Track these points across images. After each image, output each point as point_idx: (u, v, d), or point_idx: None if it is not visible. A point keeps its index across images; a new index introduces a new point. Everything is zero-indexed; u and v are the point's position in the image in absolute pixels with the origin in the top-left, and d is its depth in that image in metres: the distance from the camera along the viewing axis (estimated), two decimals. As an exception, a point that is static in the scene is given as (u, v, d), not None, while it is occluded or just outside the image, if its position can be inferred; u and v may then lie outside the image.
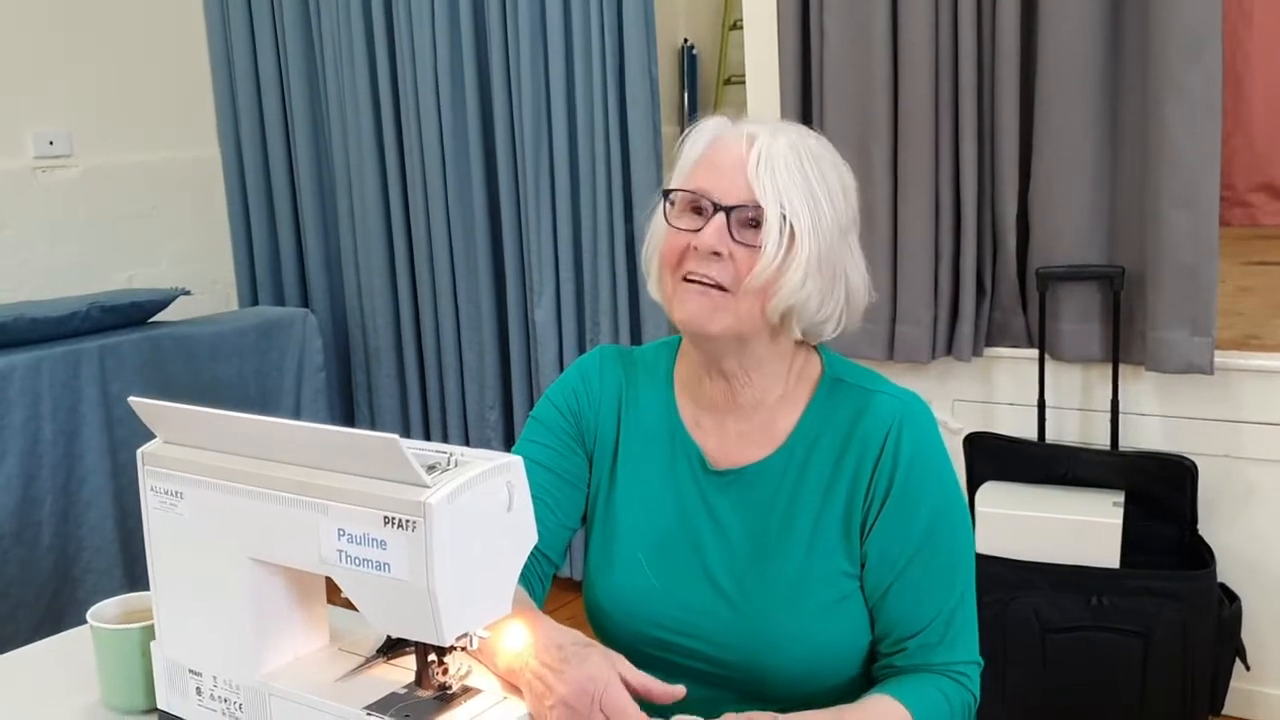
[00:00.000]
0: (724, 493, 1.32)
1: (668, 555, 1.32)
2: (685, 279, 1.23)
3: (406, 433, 3.70)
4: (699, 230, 1.22)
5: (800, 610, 1.26)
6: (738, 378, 1.30)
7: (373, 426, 3.78)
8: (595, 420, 1.39)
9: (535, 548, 1.19)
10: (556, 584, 1.41)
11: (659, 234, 1.28)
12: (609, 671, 1.08)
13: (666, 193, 1.27)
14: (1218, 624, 2.30)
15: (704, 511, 1.32)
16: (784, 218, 1.20)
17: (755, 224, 1.21)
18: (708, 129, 1.28)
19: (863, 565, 1.27)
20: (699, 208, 1.23)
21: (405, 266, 3.63)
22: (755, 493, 1.31)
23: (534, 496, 1.08)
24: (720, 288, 1.21)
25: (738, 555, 1.30)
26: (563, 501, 1.37)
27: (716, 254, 1.20)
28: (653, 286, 1.32)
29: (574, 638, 1.13)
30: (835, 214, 1.24)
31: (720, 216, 1.21)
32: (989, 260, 2.61)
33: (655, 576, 1.32)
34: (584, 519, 1.41)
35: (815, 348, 1.36)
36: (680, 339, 1.39)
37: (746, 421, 1.33)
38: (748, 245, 1.21)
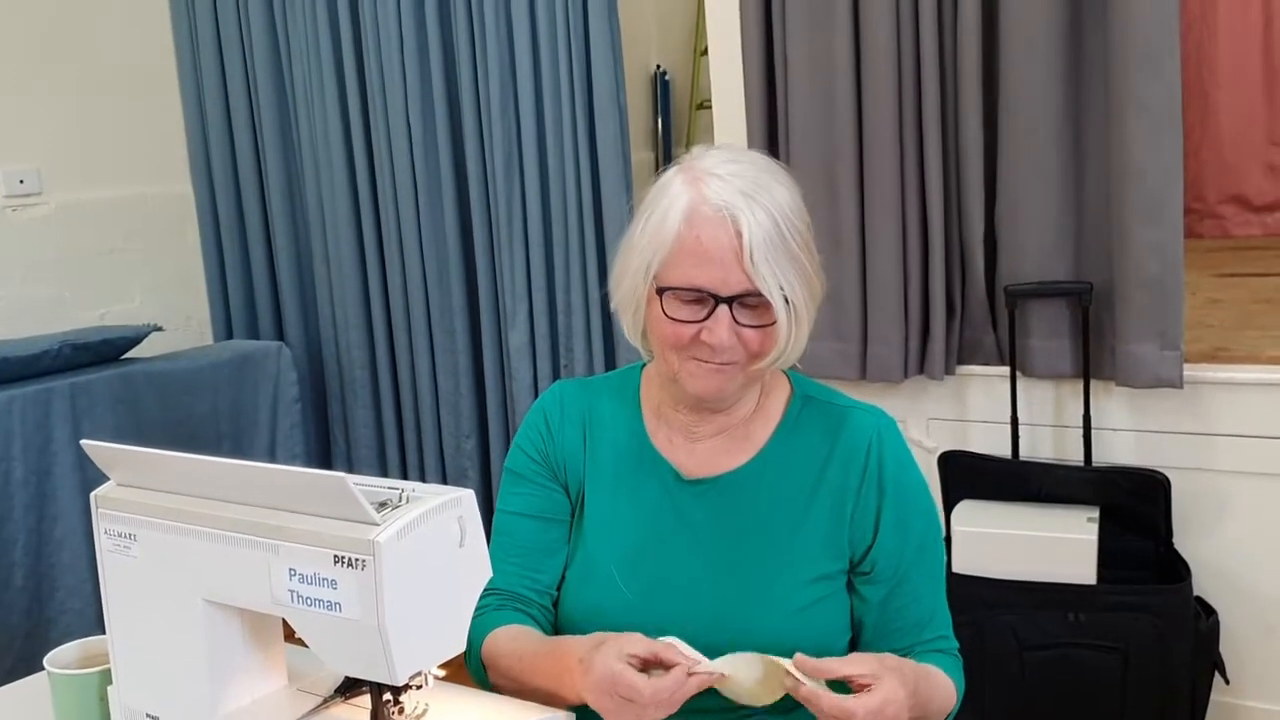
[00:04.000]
0: (699, 500, 1.38)
1: (641, 568, 1.37)
2: (694, 358, 1.29)
3: (383, 463, 3.70)
4: (703, 321, 1.26)
5: (778, 613, 1.32)
6: (728, 410, 1.38)
7: (349, 458, 3.77)
8: (563, 454, 1.44)
9: (543, 593, 1.35)
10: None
11: (659, 322, 1.29)
12: (614, 664, 1.13)
13: (660, 290, 1.28)
14: (1195, 638, 2.30)
15: (678, 522, 1.37)
16: (787, 301, 1.25)
17: (753, 304, 1.26)
18: (678, 201, 1.28)
19: (863, 572, 1.36)
20: (694, 299, 1.27)
21: (379, 296, 3.62)
22: (730, 499, 1.37)
23: (529, 548, 1.22)
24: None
25: (714, 562, 1.35)
26: (556, 543, 1.41)
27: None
28: (637, 341, 1.38)
29: (591, 643, 1.19)
30: (813, 261, 1.30)
31: (724, 310, 1.25)
32: (957, 279, 2.62)
33: (629, 589, 1.36)
34: None
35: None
36: (643, 364, 1.47)
37: (720, 435, 1.39)
38: (752, 326, 1.27)
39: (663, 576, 1.36)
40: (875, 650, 1.36)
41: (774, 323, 1.26)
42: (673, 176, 1.31)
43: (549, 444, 1.44)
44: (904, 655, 1.34)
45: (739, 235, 1.24)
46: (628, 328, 1.38)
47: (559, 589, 1.42)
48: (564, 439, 1.44)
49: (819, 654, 1.31)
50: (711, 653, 1.29)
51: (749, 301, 1.26)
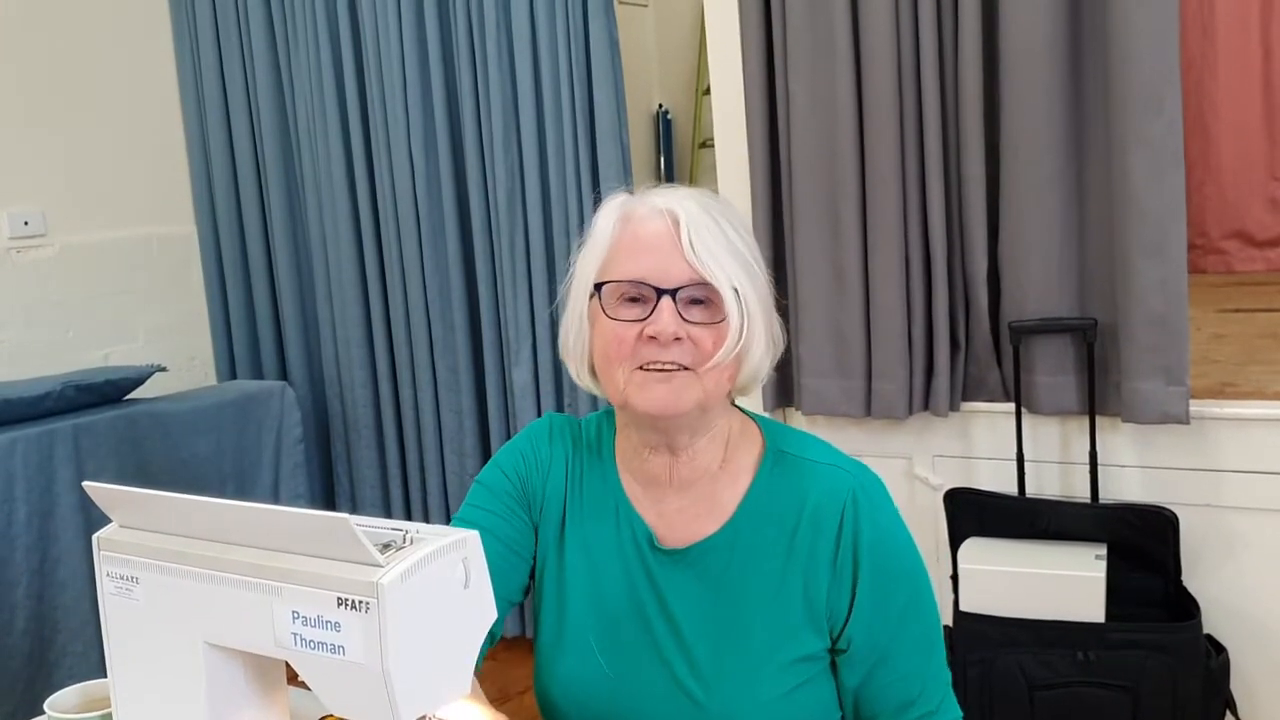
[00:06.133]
0: (669, 572, 1.27)
1: (619, 640, 1.28)
2: (642, 368, 1.19)
3: (387, 503, 3.69)
4: (647, 318, 1.18)
5: (761, 699, 1.22)
6: (686, 450, 1.27)
7: (353, 498, 3.76)
8: (543, 488, 1.34)
9: None
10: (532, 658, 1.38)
11: (602, 329, 1.22)
12: None
13: (599, 286, 1.22)
14: (1206, 676, 2.28)
15: (653, 593, 1.27)
16: (736, 292, 1.18)
17: (699, 301, 1.19)
18: (612, 208, 1.25)
19: (840, 651, 1.25)
20: (635, 295, 1.20)
21: (383, 335, 3.63)
22: (702, 572, 1.26)
23: None
24: (682, 368, 1.19)
25: (690, 641, 1.25)
26: (506, 572, 1.30)
27: (676, 338, 1.17)
28: (585, 380, 1.28)
29: None
30: (759, 266, 1.23)
31: (667, 300, 1.17)
32: (961, 315, 2.62)
33: (607, 662, 1.27)
34: (524, 592, 1.36)
35: (753, 417, 1.34)
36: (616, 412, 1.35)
37: (687, 495, 1.29)
38: (700, 323, 1.19)
39: (640, 651, 1.27)
40: None
41: (724, 319, 1.18)
42: (608, 200, 1.28)
43: (530, 471, 1.35)
44: None
45: (677, 225, 1.18)
46: (573, 367, 1.28)
47: (535, 655, 1.34)
48: (548, 475, 1.34)
49: None
50: None
51: (695, 296, 1.18)
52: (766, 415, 1.37)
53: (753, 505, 1.27)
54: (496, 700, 1.27)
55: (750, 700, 1.22)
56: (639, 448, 1.29)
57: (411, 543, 0.99)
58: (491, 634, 1.30)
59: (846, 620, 1.23)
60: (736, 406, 1.33)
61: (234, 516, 1.04)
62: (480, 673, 1.31)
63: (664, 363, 1.18)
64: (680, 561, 1.27)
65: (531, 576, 1.36)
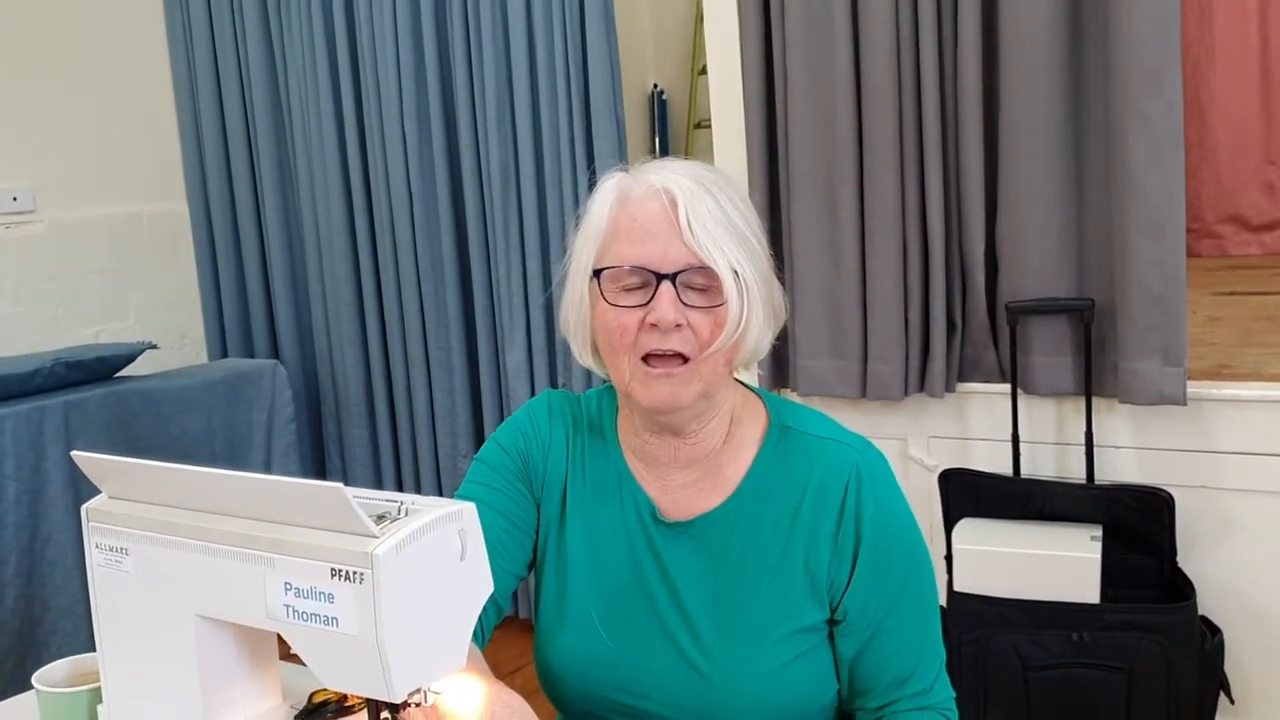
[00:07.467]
0: (671, 544, 1.27)
1: (621, 612, 1.28)
2: (645, 358, 1.19)
3: (379, 483, 3.67)
4: (647, 304, 1.17)
5: (762, 669, 1.23)
6: (693, 435, 1.27)
7: (345, 477, 3.74)
8: (544, 464, 1.34)
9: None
10: (524, 637, 1.37)
11: (603, 316, 1.21)
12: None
13: (597, 272, 1.21)
14: (1200, 657, 2.28)
15: (656, 566, 1.28)
16: (735, 274, 1.17)
17: (699, 285, 1.18)
18: (608, 189, 1.23)
19: (837, 622, 1.25)
20: (635, 280, 1.18)
21: (375, 314, 3.61)
22: (705, 545, 1.26)
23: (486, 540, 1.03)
24: (682, 357, 1.18)
25: (693, 612, 1.25)
26: (510, 546, 1.31)
27: (677, 325, 1.17)
28: (588, 359, 1.28)
29: (523, 703, 1.11)
30: (759, 240, 1.22)
31: (667, 286, 1.16)
32: (958, 296, 2.60)
33: (609, 634, 1.27)
34: (529, 566, 1.36)
35: (756, 391, 1.34)
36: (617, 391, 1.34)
37: (691, 471, 1.29)
38: (699, 308, 1.17)
39: (643, 623, 1.27)
40: (853, 706, 1.30)
41: (724, 303, 1.16)
42: (604, 180, 1.25)
43: (531, 448, 1.34)
44: (881, 713, 1.28)
45: (674, 205, 1.16)
46: (576, 347, 1.27)
47: (535, 630, 1.34)
48: (549, 450, 1.33)
49: (801, 711, 1.25)
50: (698, 714, 1.23)
51: (695, 282, 1.17)
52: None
53: (757, 480, 1.27)
54: (486, 680, 1.25)
55: (751, 670, 1.22)
56: (642, 430, 1.29)
57: (407, 514, 0.98)
58: (498, 608, 1.30)
59: (845, 591, 1.24)
60: (739, 381, 1.33)
61: (226, 486, 1.02)
62: (485, 646, 1.31)
63: (664, 351, 1.17)
64: (683, 534, 1.27)
65: (534, 552, 1.35)
